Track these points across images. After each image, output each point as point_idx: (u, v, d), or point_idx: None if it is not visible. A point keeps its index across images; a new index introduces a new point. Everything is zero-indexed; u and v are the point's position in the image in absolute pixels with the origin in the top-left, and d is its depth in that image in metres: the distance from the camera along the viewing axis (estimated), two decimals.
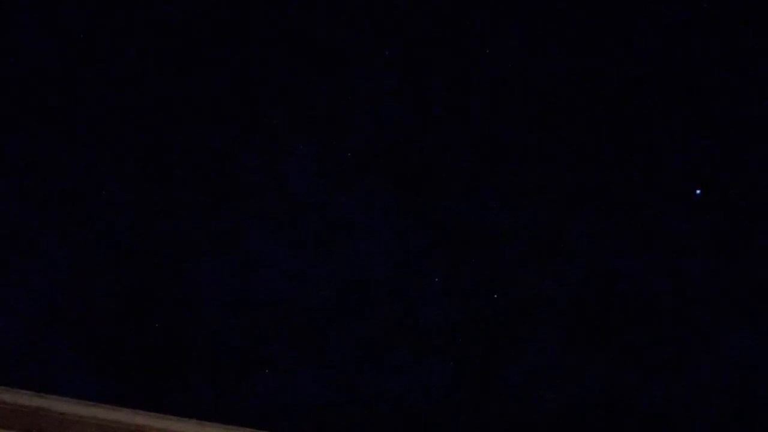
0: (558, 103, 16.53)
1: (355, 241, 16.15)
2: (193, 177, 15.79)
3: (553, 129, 16.45)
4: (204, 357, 15.03)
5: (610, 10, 16.58)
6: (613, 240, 16.39)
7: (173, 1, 15.86)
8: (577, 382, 15.83)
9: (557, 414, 15.70)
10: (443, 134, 16.43)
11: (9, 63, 15.15)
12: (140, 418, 13.36)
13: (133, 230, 15.47)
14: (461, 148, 16.51)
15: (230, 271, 15.72)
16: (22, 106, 15.28)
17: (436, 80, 16.66)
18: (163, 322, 15.07)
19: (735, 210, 16.29)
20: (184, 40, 15.87)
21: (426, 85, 16.67)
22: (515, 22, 16.64)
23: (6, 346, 14.33)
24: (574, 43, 16.66)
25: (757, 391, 15.66)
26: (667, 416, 15.69)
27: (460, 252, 16.31)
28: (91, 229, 15.31)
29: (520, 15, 16.58)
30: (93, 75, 15.67)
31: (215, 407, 14.67)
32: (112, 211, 15.43)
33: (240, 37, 16.25)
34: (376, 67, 16.61)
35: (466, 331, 16.07)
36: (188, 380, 14.89)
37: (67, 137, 15.68)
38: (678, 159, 16.48)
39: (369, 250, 16.19)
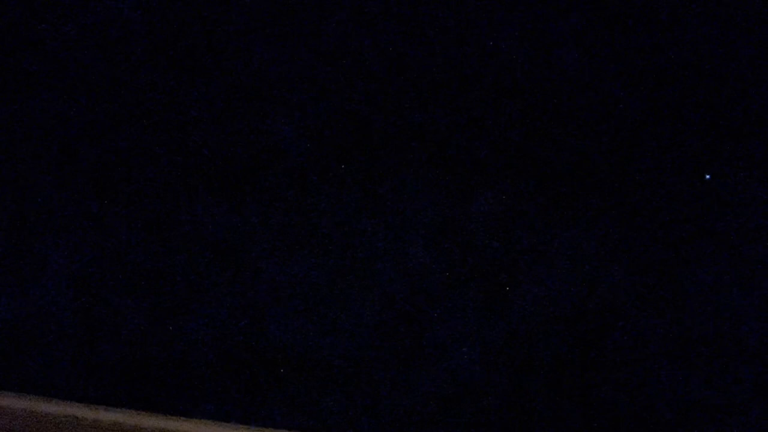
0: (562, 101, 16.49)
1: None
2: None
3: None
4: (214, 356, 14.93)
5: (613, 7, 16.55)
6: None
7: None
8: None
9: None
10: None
11: None
12: (161, 422, 13.26)
13: (144, 231, 15.37)
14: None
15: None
16: None
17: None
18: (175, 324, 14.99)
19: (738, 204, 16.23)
20: None
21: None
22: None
23: (9, 350, 14.26)
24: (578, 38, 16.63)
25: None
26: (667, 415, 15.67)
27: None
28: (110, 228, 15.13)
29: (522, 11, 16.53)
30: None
31: (229, 407, 14.61)
32: (121, 211, 15.31)
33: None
34: None
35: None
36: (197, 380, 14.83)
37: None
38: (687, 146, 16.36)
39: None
